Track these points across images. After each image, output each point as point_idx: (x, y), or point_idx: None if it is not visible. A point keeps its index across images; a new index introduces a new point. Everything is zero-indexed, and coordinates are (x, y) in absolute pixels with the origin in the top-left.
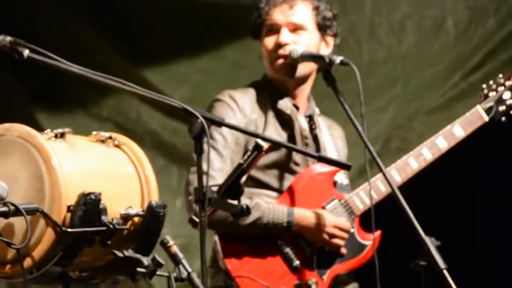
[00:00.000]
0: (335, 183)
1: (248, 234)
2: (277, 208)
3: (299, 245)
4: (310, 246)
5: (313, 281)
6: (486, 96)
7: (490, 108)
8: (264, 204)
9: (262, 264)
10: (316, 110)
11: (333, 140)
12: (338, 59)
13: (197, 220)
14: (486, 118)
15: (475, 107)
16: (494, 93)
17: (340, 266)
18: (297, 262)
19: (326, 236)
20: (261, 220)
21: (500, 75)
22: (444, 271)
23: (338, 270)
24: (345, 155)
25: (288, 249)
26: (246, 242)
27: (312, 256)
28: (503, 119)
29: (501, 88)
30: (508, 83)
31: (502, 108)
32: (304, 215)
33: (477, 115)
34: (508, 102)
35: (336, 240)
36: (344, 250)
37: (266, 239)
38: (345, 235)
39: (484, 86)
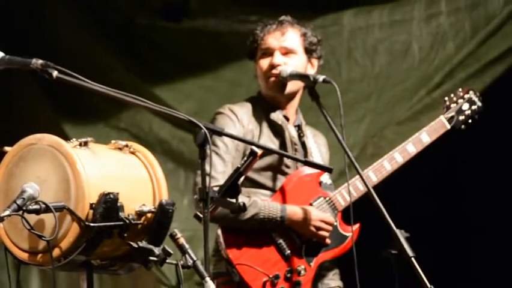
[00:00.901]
0: (320, 183)
1: (247, 228)
2: (272, 205)
3: (290, 236)
4: (299, 238)
5: (302, 267)
6: (448, 108)
7: (452, 117)
8: (260, 202)
9: (259, 253)
10: (303, 121)
11: (317, 147)
12: (321, 78)
13: (201, 216)
14: (448, 126)
15: (438, 117)
16: (455, 104)
17: (325, 254)
18: (288, 251)
19: (313, 229)
20: (258, 215)
21: (460, 89)
22: (412, 259)
23: (323, 258)
24: (328, 159)
25: (281, 240)
26: (245, 234)
27: (301, 246)
28: (463, 127)
29: (461, 100)
30: (466, 96)
31: (461, 117)
32: (294, 210)
33: (441, 124)
34: (467, 112)
35: (322, 232)
36: (328, 241)
37: (262, 231)
38: (330, 228)
39: (446, 98)
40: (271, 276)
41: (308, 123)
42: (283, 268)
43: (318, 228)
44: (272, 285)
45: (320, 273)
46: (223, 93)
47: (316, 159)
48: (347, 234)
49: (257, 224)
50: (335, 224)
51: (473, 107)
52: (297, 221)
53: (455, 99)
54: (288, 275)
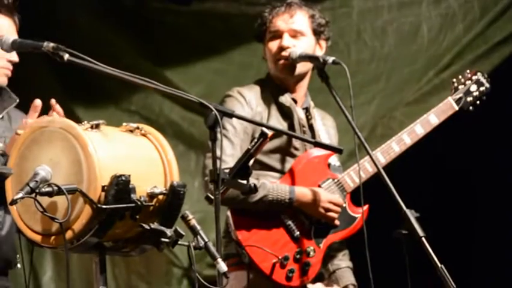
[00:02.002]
0: (329, 165)
1: (256, 209)
2: (281, 187)
3: (299, 218)
4: (308, 219)
5: (311, 248)
6: (456, 89)
7: (460, 99)
8: (269, 184)
9: (268, 235)
10: (312, 103)
11: (326, 129)
12: (330, 59)
13: (212, 197)
14: (456, 107)
15: (446, 99)
16: (462, 86)
17: (334, 235)
18: (297, 233)
19: (322, 210)
20: (266, 197)
21: (468, 71)
22: (423, 238)
23: (332, 239)
24: (336, 141)
25: (290, 222)
26: (254, 216)
27: (311, 228)
28: (471, 108)
29: (468, 82)
30: (474, 78)
31: (469, 99)
32: (303, 192)
33: (449, 105)
34: (475, 93)
35: (331, 214)
36: (337, 222)
37: (271, 213)
38: (338, 209)
39: (454, 80)
40: (280, 257)
41: (318, 105)
42: (292, 249)
43: (327, 210)
44: (281, 266)
45: (330, 254)
46: (233, 75)
47: (324, 141)
48: (356, 215)
49: (266, 206)
50: (344, 205)
51: (481, 89)
52: (305, 203)
53: (462, 80)
54: (298, 256)
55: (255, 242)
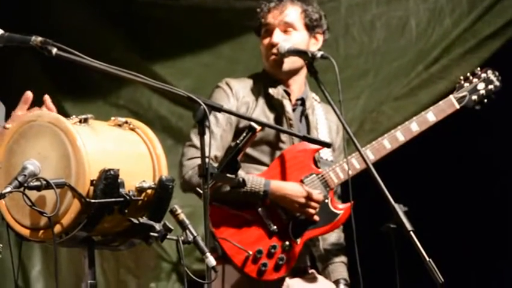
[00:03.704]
0: (318, 160)
1: (230, 200)
2: (256, 179)
3: (277, 212)
4: (286, 214)
5: (287, 243)
6: (461, 87)
7: (463, 97)
8: (244, 175)
9: (243, 228)
10: (315, 96)
11: (328, 123)
12: (319, 54)
13: (201, 191)
14: (457, 106)
15: (448, 96)
16: (468, 84)
17: (313, 231)
18: (274, 227)
19: (299, 206)
20: (240, 189)
21: (478, 69)
22: (411, 233)
23: (310, 235)
24: (340, 137)
25: (266, 216)
26: (230, 208)
27: (288, 223)
28: (477, 107)
29: (476, 80)
30: (483, 75)
31: (474, 97)
32: (279, 186)
33: (449, 103)
34: (481, 92)
35: (309, 209)
36: (316, 218)
37: (248, 206)
38: (316, 205)
39: (461, 77)
40: (250, 252)
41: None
42: (267, 244)
43: (304, 205)
44: (254, 260)
45: (325, 248)
46: (222, 70)
47: (322, 135)
48: (338, 212)
49: (239, 197)
50: (326, 201)
51: (490, 87)
52: (281, 197)
53: (470, 78)
54: (272, 251)
55: (229, 235)
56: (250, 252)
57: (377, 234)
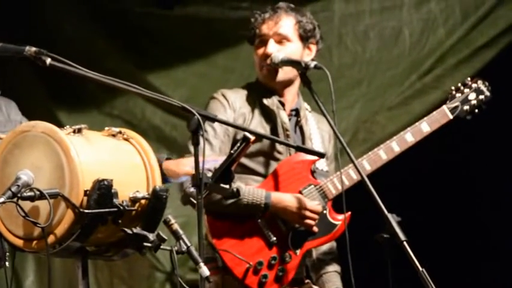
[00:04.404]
0: (314, 170)
1: (229, 213)
2: (257, 191)
3: (276, 224)
4: (286, 226)
5: (287, 254)
6: (453, 97)
7: (456, 107)
8: (244, 188)
9: (243, 239)
10: (306, 106)
11: (320, 133)
12: (312, 64)
13: (195, 202)
14: (451, 116)
15: (441, 107)
16: (460, 94)
17: (312, 242)
18: (274, 238)
19: (298, 217)
20: (241, 201)
21: (469, 78)
22: (404, 243)
23: (310, 246)
24: (332, 146)
25: (266, 228)
26: (230, 220)
27: (288, 234)
28: (468, 117)
29: (467, 90)
30: (474, 85)
31: (466, 107)
32: (280, 198)
33: (443, 114)
34: (473, 102)
35: (308, 221)
36: (315, 229)
37: (248, 218)
38: (316, 216)
39: (452, 87)
40: (252, 263)
41: None
42: (267, 255)
43: (304, 217)
44: (255, 271)
45: (318, 258)
46: (216, 79)
47: (316, 145)
48: (336, 222)
49: (240, 210)
50: (324, 212)
51: (480, 97)
52: (281, 209)
53: (461, 88)
54: (272, 262)
55: (230, 246)
56: (252, 264)
57: (370, 244)
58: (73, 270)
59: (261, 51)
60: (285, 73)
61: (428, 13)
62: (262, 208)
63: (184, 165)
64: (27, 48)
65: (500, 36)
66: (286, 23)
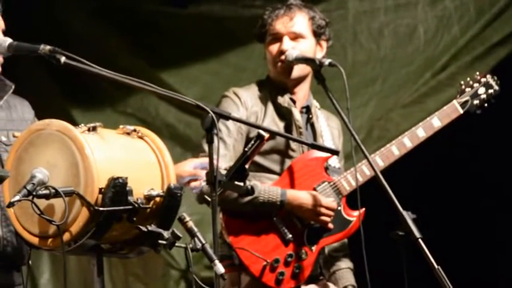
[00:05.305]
0: (327, 167)
1: (246, 211)
2: (272, 189)
3: (292, 221)
4: (301, 223)
5: (303, 251)
6: (463, 92)
7: (466, 102)
8: (260, 186)
9: (259, 237)
10: (316, 103)
11: (330, 130)
12: (326, 61)
13: (209, 199)
14: (461, 111)
15: (452, 102)
16: (470, 89)
17: (327, 239)
18: (289, 236)
19: (314, 214)
20: (257, 199)
21: (478, 73)
22: (419, 240)
23: (325, 243)
24: (340, 142)
25: (282, 225)
26: (246, 218)
27: (303, 231)
28: (478, 111)
29: (476, 84)
30: (483, 80)
31: (476, 102)
32: (295, 195)
33: (453, 108)
34: (482, 96)
35: (323, 218)
36: (331, 225)
37: (263, 215)
38: (331, 213)
39: (462, 82)
40: (269, 261)
41: None
42: (283, 252)
43: (319, 214)
44: (272, 269)
45: (330, 255)
46: (229, 77)
47: (327, 142)
48: (351, 219)
49: (256, 208)
50: (339, 208)
51: (490, 91)
52: (297, 206)
53: (471, 83)
54: (289, 259)
55: (246, 244)
56: (268, 261)
57: (385, 241)
58: (88, 268)
59: (275, 48)
60: (300, 69)
61: (443, 10)
62: (278, 206)
63: (185, 166)
64: (41, 46)
65: None
66: (301, 20)
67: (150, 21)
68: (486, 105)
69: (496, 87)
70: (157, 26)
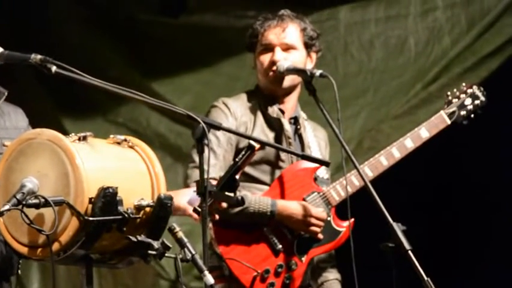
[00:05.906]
0: (316, 178)
1: (236, 221)
2: (262, 199)
3: (282, 231)
4: (291, 233)
5: (293, 262)
6: (450, 103)
7: (453, 112)
8: (250, 196)
9: (249, 248)
10: (303, 114)
11: (317, 141)
12: (317, 72)
13: (199, 210)
14: (448, 121)
15: (439, 112)
16: (456, 99)
17: (317, 249)
18: (279, 246)
19: (304, 224)
20: (247, 209)
21: (464, 84)
22: (409, 252)
23: (315, 253)
24: (327, 154)
25: (272, 235)
26: (236, 228)
27: (293, 241)
28: (465, 122)
29: (463, 95)
30: (469, 91)
31: (463, 112)
32: (285, 205)
33: (441, 119)
34: (469, 107)
35: (313, 228)
36: (320, 236)
37: (254, 226)
38: (321, 223)
39: (449, 93)
40: (259, 271)
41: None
42: (274, 263)
43: (309, 224)
44: (262, 279)
45: (318, 266)
46: (221, 87)
47: (314, 153)
48: (340, 229)
49: (246, 218)
50: (328, 219)
51: (476, 102)
52: (287, 216)
53: (457, 94)
54: (279, 270)
55: (236, 254)
56: (259, 272)
57: (375, 252)
58: (78, 277)
59: (266, 58)
60: (291, 80)
61: (434, 22)
62: (268, 216)
63: (183, 196)
64: (32, 56)
65: (506, 45)
66: (293, 31)
67: (142, 31)
68: (473, 116)
69: (483, 98)
70: (149, 36)
